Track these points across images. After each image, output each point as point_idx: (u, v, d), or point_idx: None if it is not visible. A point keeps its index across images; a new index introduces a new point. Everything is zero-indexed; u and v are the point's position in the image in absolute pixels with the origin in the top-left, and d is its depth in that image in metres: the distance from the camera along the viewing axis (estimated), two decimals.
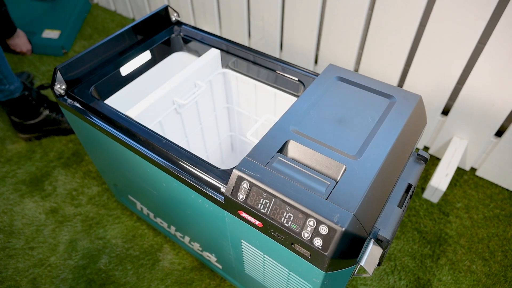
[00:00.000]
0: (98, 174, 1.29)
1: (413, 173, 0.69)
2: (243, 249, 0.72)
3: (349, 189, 0.55)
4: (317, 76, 0.81)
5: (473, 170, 1.29)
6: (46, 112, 1.35)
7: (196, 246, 0.95)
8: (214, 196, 0.63)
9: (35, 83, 1.62)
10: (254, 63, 0.89)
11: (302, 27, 1.32)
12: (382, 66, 1.23)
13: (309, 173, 0.57)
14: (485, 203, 1.20)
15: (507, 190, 1.23)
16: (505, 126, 1.18)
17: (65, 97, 0.82)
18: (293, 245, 0.56)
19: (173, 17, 0.99)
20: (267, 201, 0.55)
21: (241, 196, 0.58)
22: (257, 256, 0.69)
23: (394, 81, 1.24)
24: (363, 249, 0.54)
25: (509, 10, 0.92)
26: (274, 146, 0.61)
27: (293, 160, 0.60)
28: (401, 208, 0.63)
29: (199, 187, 0.64)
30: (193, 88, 0.94)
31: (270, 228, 0.57)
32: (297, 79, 0.83)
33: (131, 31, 0.91)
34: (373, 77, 1.26)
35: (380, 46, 1.18)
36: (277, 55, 1.50)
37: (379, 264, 0.60)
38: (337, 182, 0.56)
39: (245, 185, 0.57)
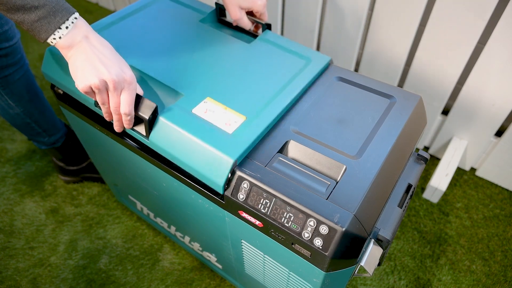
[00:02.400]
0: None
1: (413, 173, 0.69)
2: (243, 249, 0.72)
3: (349, 189, 0.55)
4: None
5: (473, 170, 1.29)
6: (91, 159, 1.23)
7: (196, 246, 0.95)
8: (214, 196, 0.63)
9: None
10: None
11: (302, 27, 1.32)
12: (382, 66, 1.23)
13: (309, 173, 0.57)
14: (485, 203, 1.20)
15: (507, 190, 1.23)
16: (505, 126, 1.18)
17: (65, 97, 0.82)
18: (293, 245, 0.56)
19: None
20: (268, 201, 0.55)
21: (241, 196, 0.58)
22: (257, 256, 0.69)
23: (394, 81, 1.24)
24: (363, 249, 0.55)
25: (509, 10, 0.92)
26: (274, 146, 0.61)
27: (293, 160, 0.60)
28: (401, 208, 0.63)
29: (199, 187, 0.64)
30: None
31: (271, 228, 0.57)
32: None
33: None
34: (373, 77, 1.26)
35: (380, 46, 1.18)
36: None
37: (379, 264, 0.60)
38: (337, 182, 0.56)
39: (245, 185, 0.57)
